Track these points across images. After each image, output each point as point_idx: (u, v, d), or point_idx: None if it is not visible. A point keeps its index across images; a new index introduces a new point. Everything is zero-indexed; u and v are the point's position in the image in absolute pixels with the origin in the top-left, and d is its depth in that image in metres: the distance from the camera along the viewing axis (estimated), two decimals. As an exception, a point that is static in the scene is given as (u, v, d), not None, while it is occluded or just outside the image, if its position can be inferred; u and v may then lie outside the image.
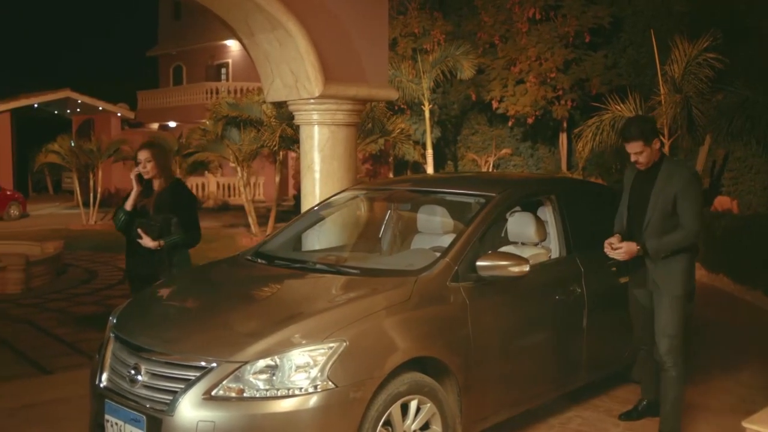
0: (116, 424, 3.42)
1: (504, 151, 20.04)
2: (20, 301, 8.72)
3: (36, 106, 27.56)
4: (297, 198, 19.46)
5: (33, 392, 5.30)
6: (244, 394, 3.18)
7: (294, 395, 3.17)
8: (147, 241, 4.76)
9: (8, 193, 21.52)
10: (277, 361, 3.22)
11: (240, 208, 18.19)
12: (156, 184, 4.96)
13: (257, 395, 3.18)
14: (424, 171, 18.90)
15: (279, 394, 3.17)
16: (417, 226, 5.20)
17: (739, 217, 11.53)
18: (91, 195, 18.56)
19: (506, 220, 4.79)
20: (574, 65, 17.03)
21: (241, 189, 15.96)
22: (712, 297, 8.57)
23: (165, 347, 3.45)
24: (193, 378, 3.24)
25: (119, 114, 28.16)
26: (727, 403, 5.02)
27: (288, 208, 20.45)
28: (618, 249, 4.27)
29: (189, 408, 3.17)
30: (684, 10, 13.95)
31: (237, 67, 29.71)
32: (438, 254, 4.10)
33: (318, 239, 5.48)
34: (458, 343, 3.77)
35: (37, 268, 9.75)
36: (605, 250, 4.32)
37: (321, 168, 6.06)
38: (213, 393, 3.18)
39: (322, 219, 5.27)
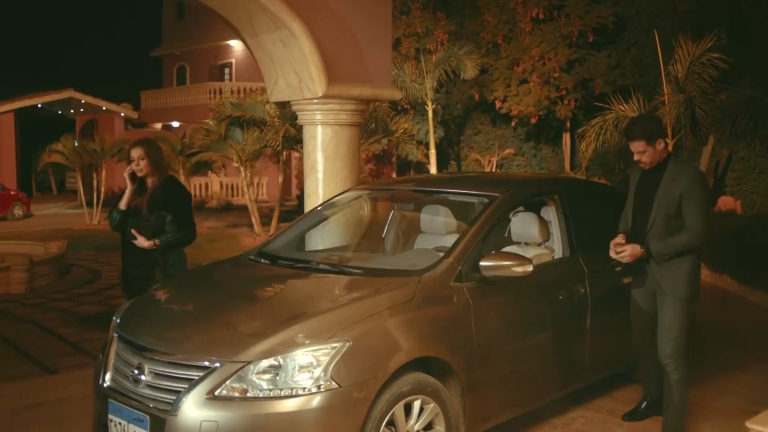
0: (120, 423, 3.42)
1: (507, 151, 20.03)
2: (24, 300, 8.73)
3: (39, 106, 27.58)
4: (300, 198, 19.43)
5: (37, 392, 5.30)
6: (248, 394, 3.18)
7: (297, 395, 3.17)
8: (141, 242, 4.70)
9: (12, 193, 21.58)
10: (281, 361, 3.22)
11: (243, 208, 18.25)
12: (149, 182, 4.87)
13: (260, 395, 3.18)
14: (427, 171, 18.90)
15: (282, 394, 3.17)
16: (420, 226, 5.19)
17: (742, 218, 11.52)
18: (95, 195, 18.60)
19: (509, 220, 4.78)
20: (577, 65, 17.01)
21: (245, 189, 16.00)
22: (716, 297, 8.55)
23: (168, 347, 3.45)
24: (196, 378, 3.24)
25: (123, 114, 28.15)
26: (730, 404, 5.01)
27: (291, 208, 20.46)
28: (622, 252, 4.23)
29: (192, 408, 3.17)
30: (689, 8, 13.91)
31: (240, 67, 29.71)
32: (441, 254, 4.10)
33: (321, 239, 5.49)
34: (461, 343, 3.76)
35: (40, 268, 9.76)
36: (610, 253, 4.29)
37: (324, 168, 6.06)
38: (216, 393, 3.18)
39: (325, 219, 5.26)
